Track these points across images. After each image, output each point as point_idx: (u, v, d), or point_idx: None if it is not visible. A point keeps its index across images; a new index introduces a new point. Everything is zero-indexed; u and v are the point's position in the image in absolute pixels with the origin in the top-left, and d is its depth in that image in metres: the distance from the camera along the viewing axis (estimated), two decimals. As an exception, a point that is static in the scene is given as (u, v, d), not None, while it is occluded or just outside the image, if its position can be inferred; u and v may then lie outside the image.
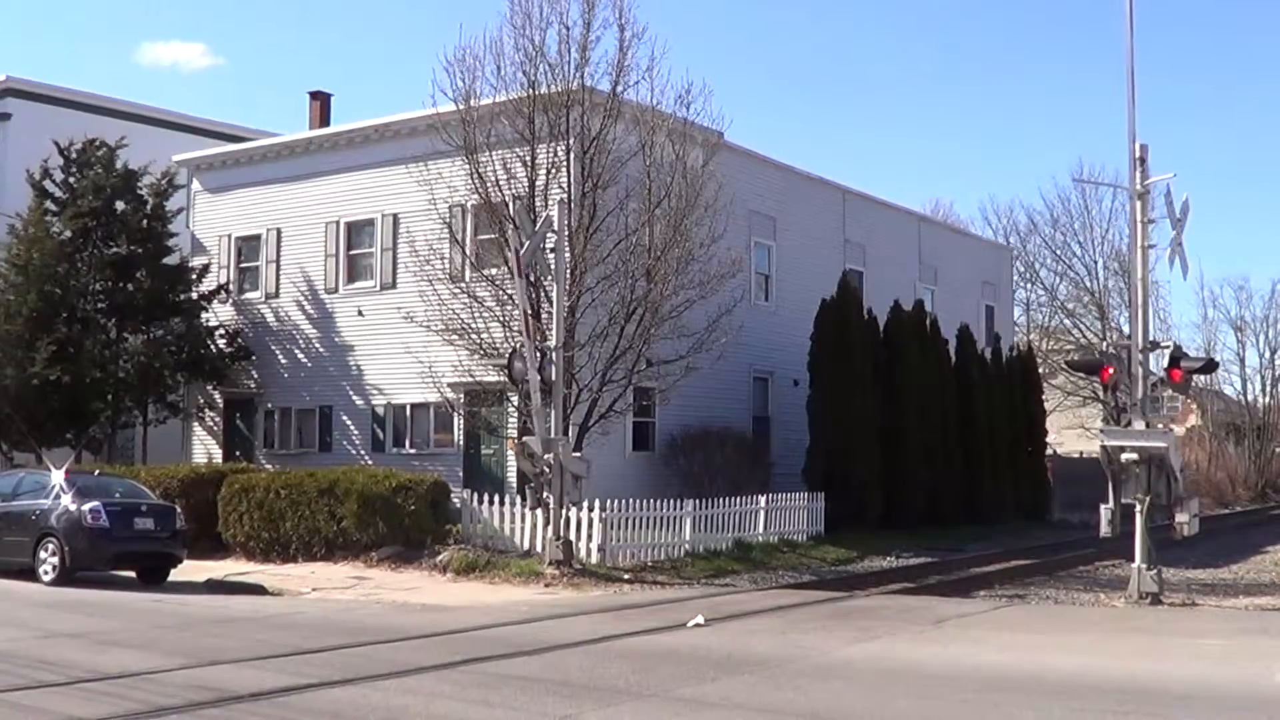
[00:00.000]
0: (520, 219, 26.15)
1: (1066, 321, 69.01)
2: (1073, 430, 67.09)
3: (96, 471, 28.26)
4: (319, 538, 27.59)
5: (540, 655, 14.96)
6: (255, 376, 37.19)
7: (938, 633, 17.42)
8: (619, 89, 28.18)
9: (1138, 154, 21.84)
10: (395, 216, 34.25)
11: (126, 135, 37.41)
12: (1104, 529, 21.73)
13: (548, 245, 24.96)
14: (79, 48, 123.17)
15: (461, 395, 31.09)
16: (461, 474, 32.13)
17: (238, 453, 36.58)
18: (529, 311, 24.50)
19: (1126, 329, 56.56)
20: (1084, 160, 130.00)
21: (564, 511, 24.66)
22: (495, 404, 31.07)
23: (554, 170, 28.17)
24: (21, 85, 42.94)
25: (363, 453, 34.39)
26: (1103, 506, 21.52)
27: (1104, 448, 21.51)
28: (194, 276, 37.03)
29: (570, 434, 26.23)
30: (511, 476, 30.20)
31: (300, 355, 36.53)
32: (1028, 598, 23.32)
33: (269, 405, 36.90)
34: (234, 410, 37.77)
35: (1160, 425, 21.35)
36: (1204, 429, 74.01)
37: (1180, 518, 21.27)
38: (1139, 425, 21.20)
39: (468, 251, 30.48)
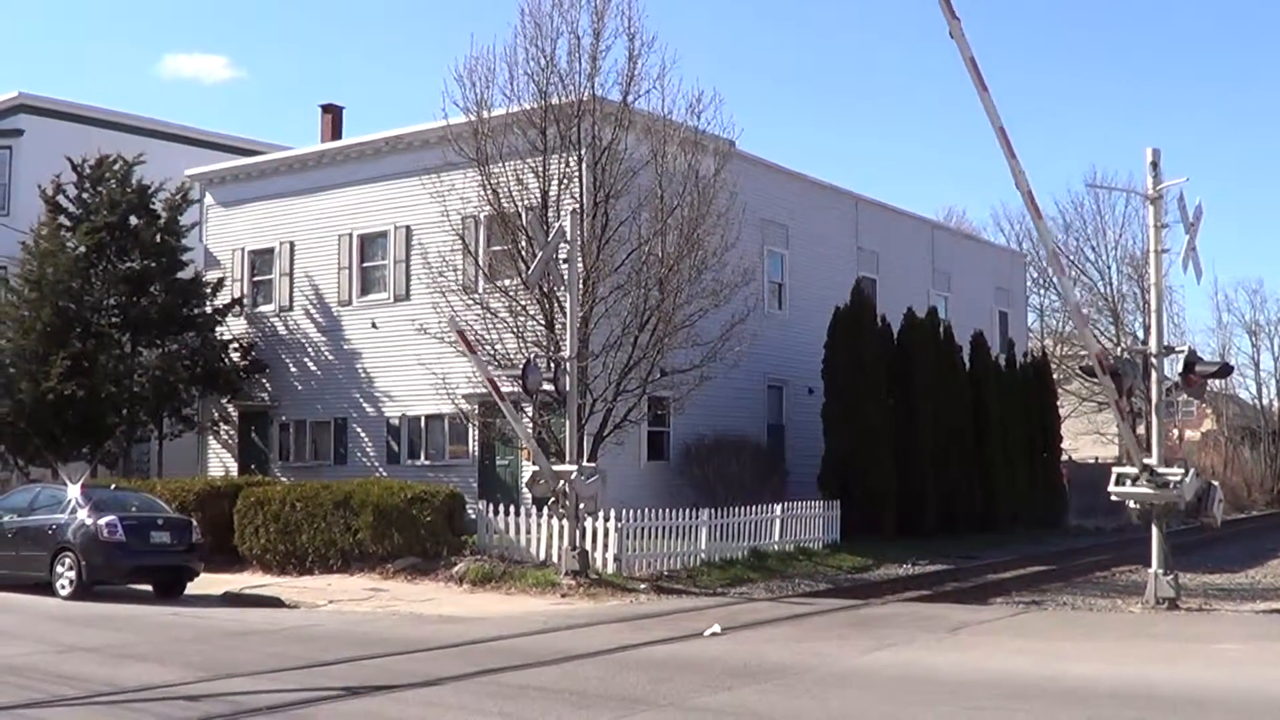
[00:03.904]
0: (533, 229, 26.17)
1: (1081, 327, 68.75)
2: (1088, 436, 66.97)
3: (112, 485, 28.30)
4: (335, 550, 27.61)
5: (557, 665, 14.96)
6: (269, 389, 37.29)
7: (954, 640, 17.39)
8: (630, 99, 28.14)
9: (1150, 159, 21.81)
10: (408, 228, 34.33)
11: (141, 150, 37.50)
12: (1135, 519, 21.94)
13: (561, 256, 24.98)
14: (100, 59, 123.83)
15: (476, 406, 31.11)
16: (476, 485, 32.20)
17: (253, 465, 36.65)
18: (496, 385, 24.52)
19: (1141, 334, 56.52)
20: (1097, 165, 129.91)
21: (579, 522, 24.71)
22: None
23: (566, 181, 28.14)
24: (34, 101, 43.03)
25: (377, 465, 34.45)
26: (1129, 504, 21.55)
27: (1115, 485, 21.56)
28: (208, 290, 37.13)
29: (585, 444, 26.26)
30: (527, 478, 30.15)
31: (314, 368, 36.61)
32: (1044, 604, 23.28)
33: (283, 418, 36.99)
34: (249, 423, 37.87)
35: (1173, 465, 21.20)
36: (1219, 434, 73.87)
37: (1205, 519, 21.39)
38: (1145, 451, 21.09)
39: (481, 263, 30.49)
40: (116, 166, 36.62)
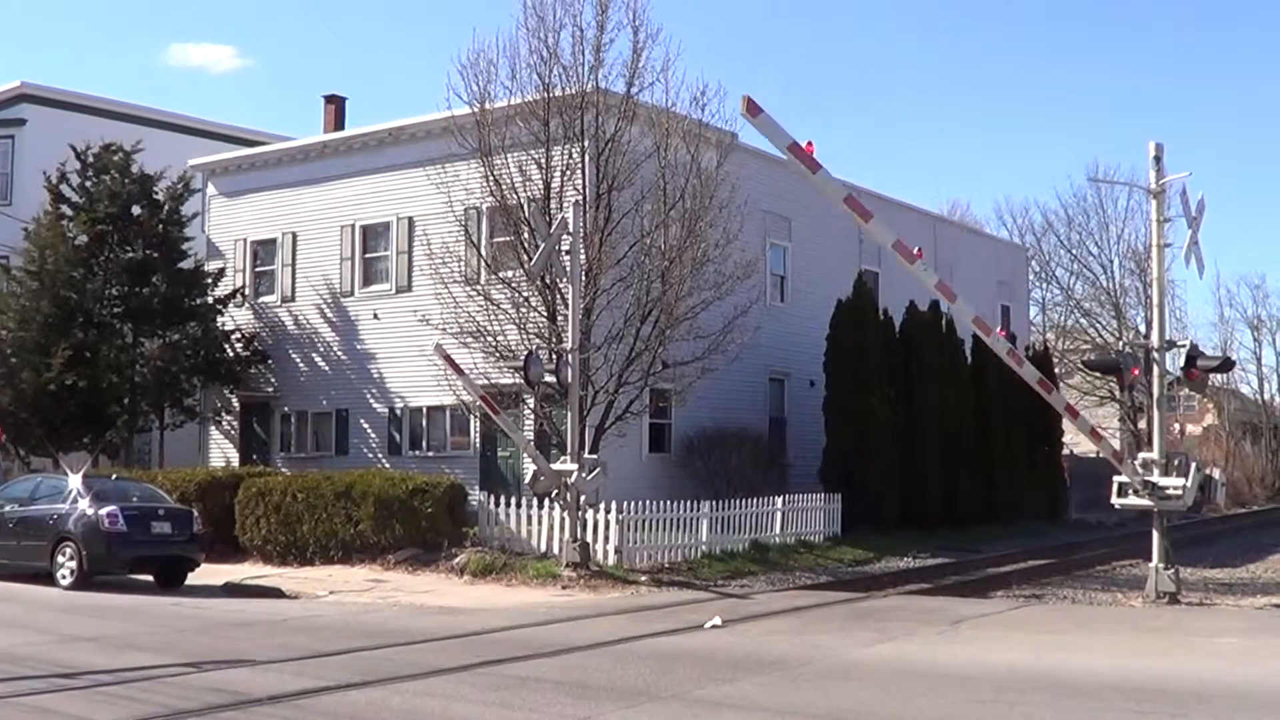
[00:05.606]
0: (535, 221, 26.18)
1: (1083, 321, 68.80)
2: (1089, 430, 66.86)
3: (113, 475, 28.26)
4: (336, 540, 27.61)
5: (558, 657, 14.97)
6: (272, 380, 37.27)
7: (955, 633, 17.41)
8: (633, 91, 28.21)
9: (1153, 153, 21.81)
10: (410, 219, 34.31)
11: (143, 140, 37.48)
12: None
13: (563, 247, 25.01)
14: (106, 48, 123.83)
15: (477, 398, 31.11)
16: (478, 476, 32.18)
17: (255, 456, 36.66)
18: (492, 404, 24.67)
19: (1143, 328, 56.45)
20: (1099, 159, 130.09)
21: (580, 514, 24.73)
22: (511, 406, 31.05)
23: (569, 172, 28.18)
24: (36, 91, 43.04)
25: (379, 455, 34.45)
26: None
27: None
28: (209, 281, 37.11)
29: (586, 436, 26.27)
30: (528, 478, 30.17)
31: (317, 359, 36.61)
32: (1045, 598, 23.26)
33: (285, 409, 36.97)
34: (251, 414, 37.85)
35: (1174, 460, 21.21)
36: (1220, 428, 73.87)
37: (1209, 509, 21.51)
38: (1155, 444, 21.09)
39: (483, 254, 30.51)
40: (117, 156, 36.57)
